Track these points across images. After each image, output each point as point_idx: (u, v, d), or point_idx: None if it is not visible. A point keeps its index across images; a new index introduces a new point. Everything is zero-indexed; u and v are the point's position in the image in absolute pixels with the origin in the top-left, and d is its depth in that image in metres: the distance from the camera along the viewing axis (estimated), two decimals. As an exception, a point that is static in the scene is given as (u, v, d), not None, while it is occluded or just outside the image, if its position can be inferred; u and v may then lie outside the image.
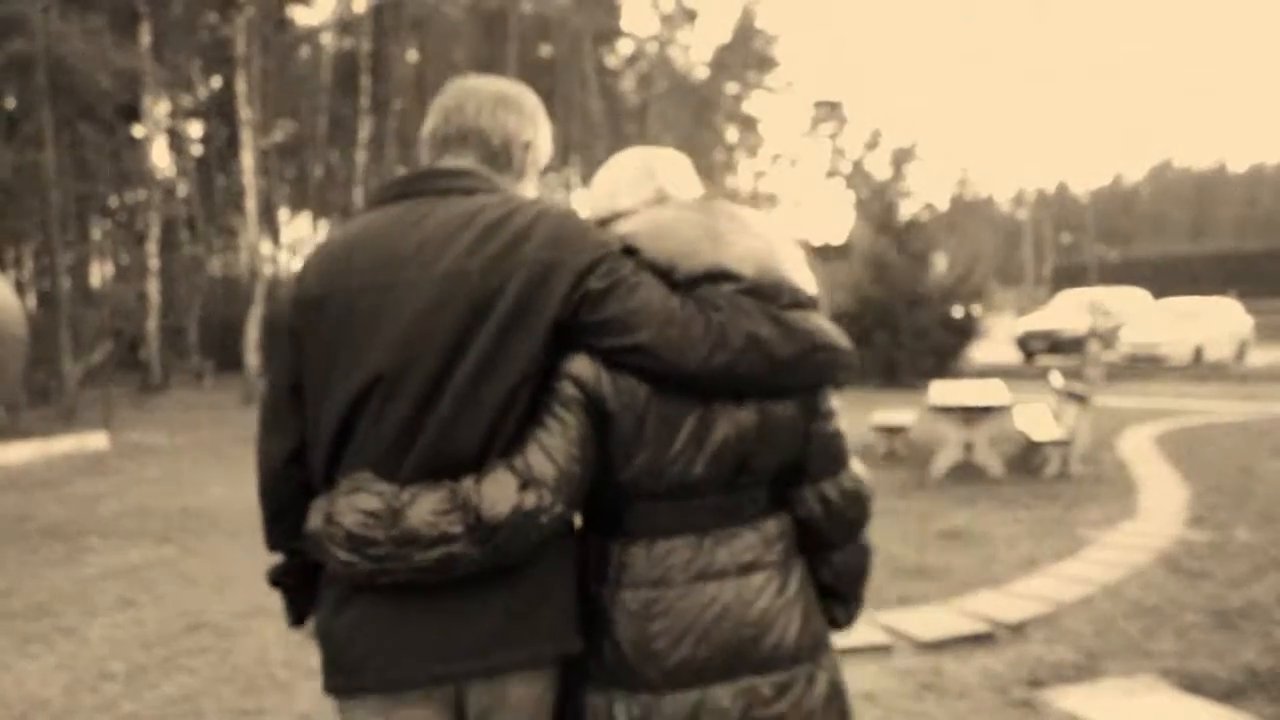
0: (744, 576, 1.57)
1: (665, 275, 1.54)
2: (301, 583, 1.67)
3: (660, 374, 1.50)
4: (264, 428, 1.63)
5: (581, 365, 1.50)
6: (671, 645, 1.54)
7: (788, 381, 1.56)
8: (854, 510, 1.69)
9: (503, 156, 1.68)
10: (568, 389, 1.50)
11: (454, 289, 1.46)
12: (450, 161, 1.65)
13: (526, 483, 1.44)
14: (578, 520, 1.62)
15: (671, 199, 1.72)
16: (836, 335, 1.63)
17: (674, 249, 1.56)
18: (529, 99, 1.76)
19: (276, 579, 1.72)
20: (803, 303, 1.61)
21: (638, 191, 1.75)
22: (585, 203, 1.83)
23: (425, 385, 1.46)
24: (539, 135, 1.73)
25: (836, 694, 1.65)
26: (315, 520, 1.49)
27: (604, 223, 1.67)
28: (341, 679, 1.52)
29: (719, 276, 1.54)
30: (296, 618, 1.77)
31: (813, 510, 1.67)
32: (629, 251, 1.55)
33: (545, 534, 1.47)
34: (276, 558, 1.71)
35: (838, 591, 1.75)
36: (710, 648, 1.54)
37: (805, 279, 1.64)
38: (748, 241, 1.59)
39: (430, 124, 1.71)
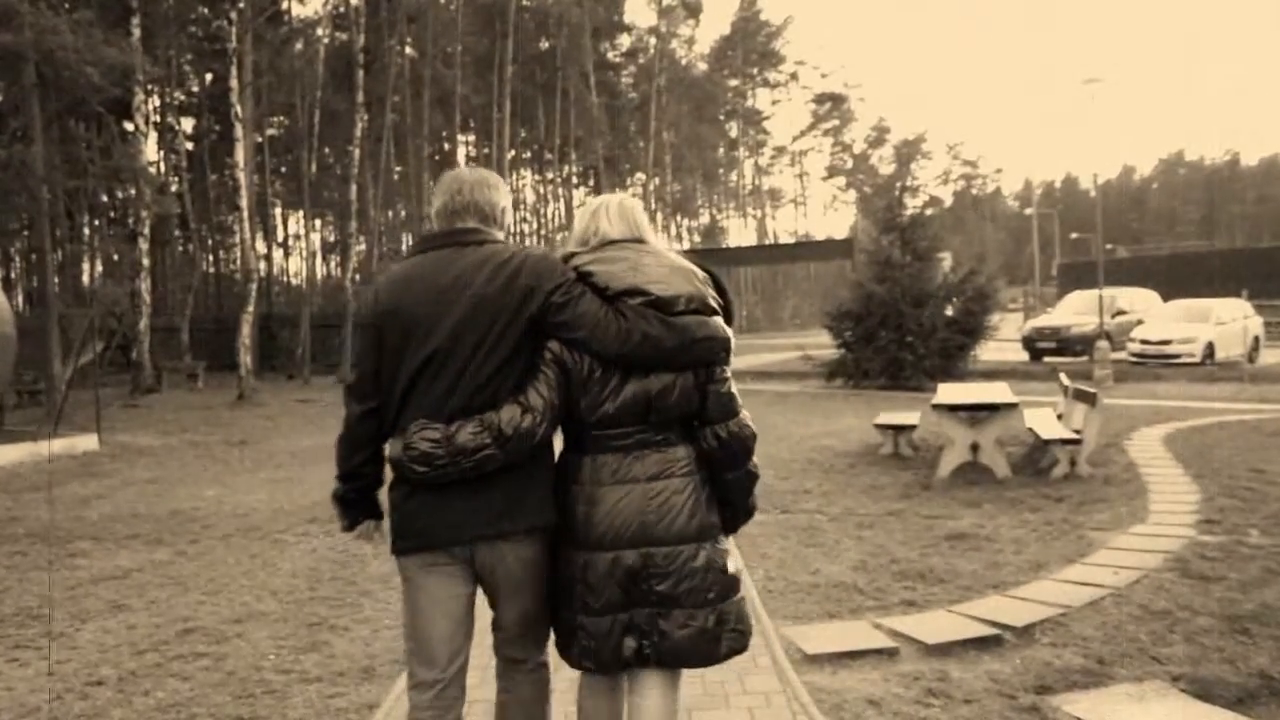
0: (650, 482, 2.49)
1: (603, 290, 2.48)
2: (359, 497, 2.66)
3: (595, 353, 2.47)
4: (351, 395, 2.59)
5: (555, 344, 2.49)
6: (600, 521, 2.47)
7: (679, 360, 2.48)
8: (739, 445, 2.57)
9: (491, 218, 2.65)
10: (548, 356, 2.48)
11: (481, 304, 2.47)
12: (463, 224, 2.62)
13: (526, 410, 2.43)
14: (559, 444, 2.61)
15: (614, 241, 2.61)
16: (712, 329, 2.51)
17: (609, 275, 2.50)
18: (499, 180, 2.74)
19: (342, 496, 2.66)
20: (698, 309, 2.50)
21: (588, 235, 2.66)
22: (571, 238, 2.74)
23: (463, 361, 2.45)
24: (507, 201, 2.73)
25: (714, 565, 2.50)
26: (395, 450, 2.45)
27: (570, 256, 2.60)
28: (402, 543, 2.54)
29: (634, 293, 2.47)
30: (349, 525, 2.71)
31: (709, 444, 2.55)
32: (583, 276, 2.51)
33: (538, 443, 2.46)
34: (337, 484, 2.67)
35: (729, 500, 2.64)
36: (623, 524, 2.46)
37: (699, 294, 2.51)
38: (657, 271, 2.51)
39: (439, 202, 2.67)
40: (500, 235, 2.66)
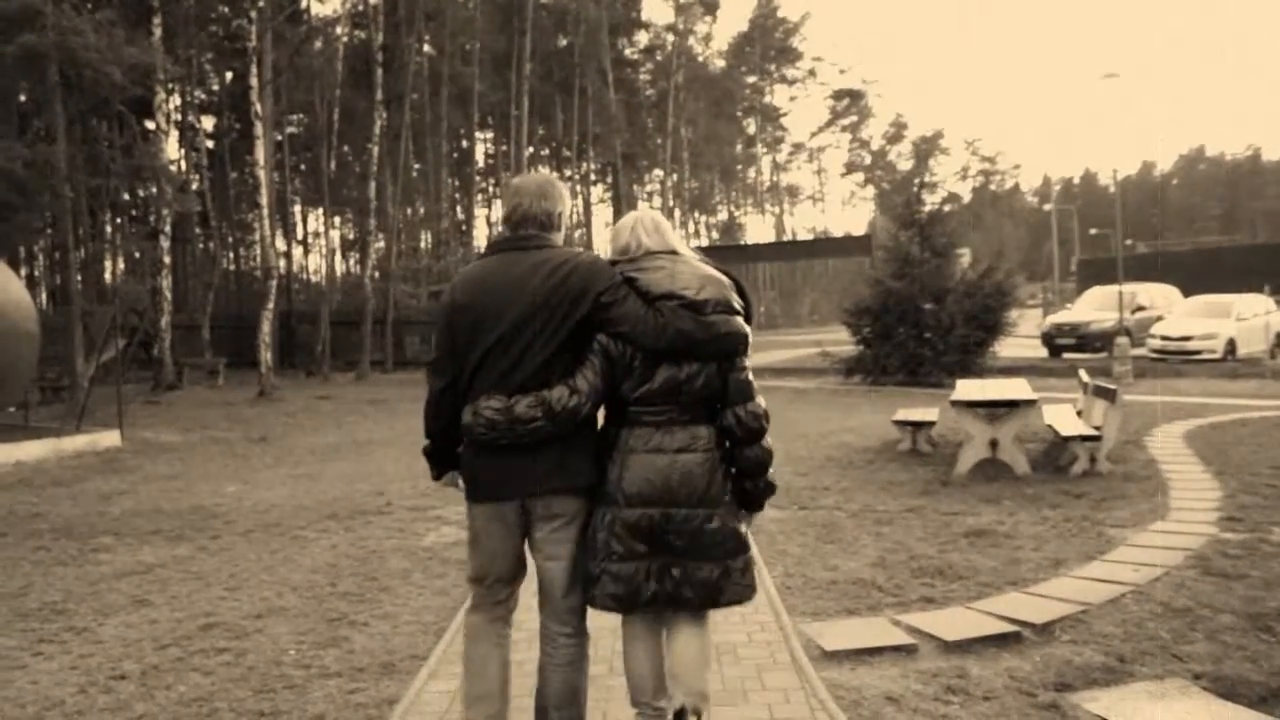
0: (676, 454, 2.95)
1: (645, 293, 2.96)
2: (442, 454, 3.20)
3: (636, 345, 2.95)
4: (433, 373, 3.12)
5: (603, 337, 2.96)
6: (631, 482, 2.95)
7: (707, 352, 2.96)
8: (755, 424, 3.02)
9: (549, 224, 3.13)
10: (596, 347, 2.96)
11: (538, 301, 2.95)
12: (524, 231, 3.11)
13: (573, 391, 2.91)
14: (601, 418, 3.08)
15: (652, 252, 3.10)
16: (735, 327, 2.99)
17: (650, 281, 2.99)
18: (558, 185, 3.22)
19: (429, 451, 3.22)
20: (724, 310, 2.98)
21: (630, 246, 3.14)
22: (608, 246, 3.27)
23: (522, 347, 2.94)
24: (565, 206, 3.19)
25: (725, 529, 2.98)
26: (466, 417, 2.95)
27: (615, 263, 3.11)
28: (473, 493, 3.08)
29: (671, 296, 2.95)
30: (437, 475, 3.27)
31: (729, 423, 3.01)
32: (628, 281, 2.99)
33: (582, 419, 2.94)
34: (426, 442, 3.21)
35: (748, 473, 3.06)
36: (650, 487, 2.93)
37: (725, 298, 2.99)
38: (690, 278, 3.00)
39: (505, 211, 3.21)
40: (558, 238, 3.14)
